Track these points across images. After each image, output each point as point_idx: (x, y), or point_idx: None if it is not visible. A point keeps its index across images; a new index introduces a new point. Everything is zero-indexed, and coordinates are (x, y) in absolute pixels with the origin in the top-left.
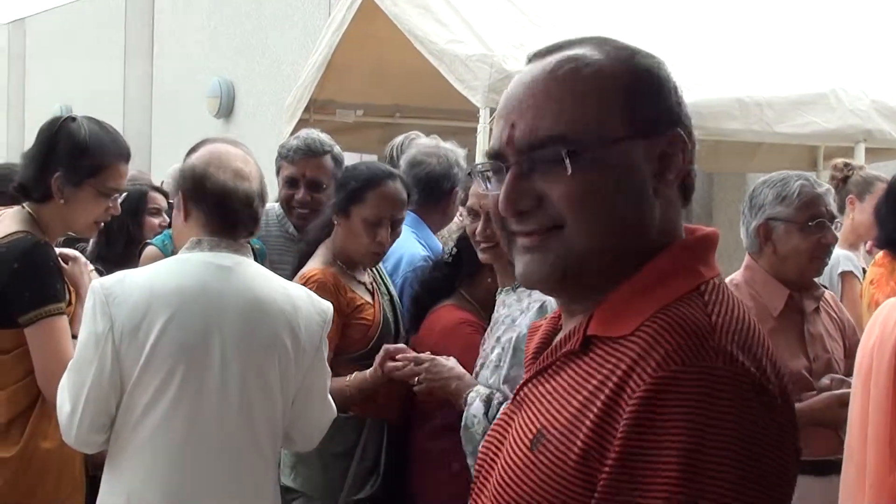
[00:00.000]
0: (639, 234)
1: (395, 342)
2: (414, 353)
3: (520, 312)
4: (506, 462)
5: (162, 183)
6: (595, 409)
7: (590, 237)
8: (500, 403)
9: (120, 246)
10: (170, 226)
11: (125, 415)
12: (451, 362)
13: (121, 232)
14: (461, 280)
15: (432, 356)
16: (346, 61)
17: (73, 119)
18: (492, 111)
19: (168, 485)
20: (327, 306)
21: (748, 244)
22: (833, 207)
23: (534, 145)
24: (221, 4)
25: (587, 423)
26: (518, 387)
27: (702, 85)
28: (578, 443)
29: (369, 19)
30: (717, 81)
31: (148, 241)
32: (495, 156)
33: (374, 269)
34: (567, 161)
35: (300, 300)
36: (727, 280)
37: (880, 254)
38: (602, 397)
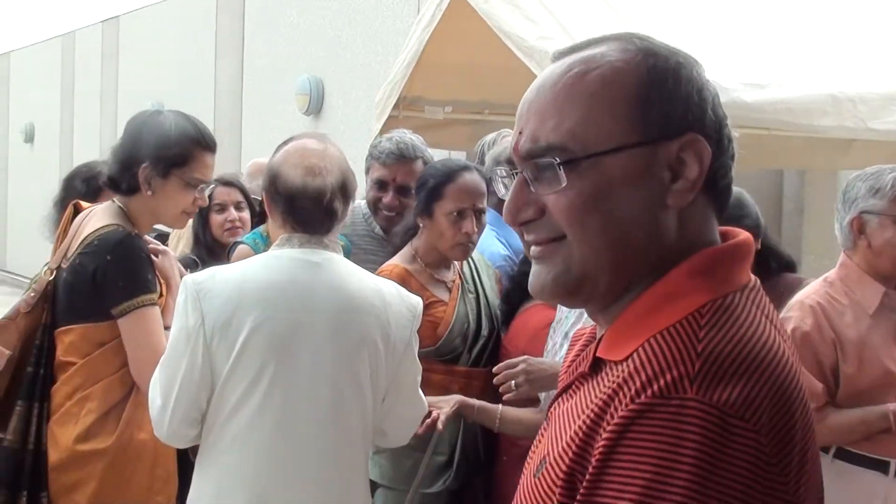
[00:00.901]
0: (650, 246)
1: (478, 341)
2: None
3: None
4: (521, 487)
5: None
6: (581, 435)
7: (590, 250)
8: None
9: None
10: (255, 223)
11: (216, 410)
12: (543, 366)
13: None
14: None
15: (525, 357)
16: (435, 58)
17: (160, 112)
18: None
19: (258, 480)
20: (416, 301)
21: (842, 240)
22: None
23: (533, 154)
24: (311, 1)
25: (573, 448)
26: (549, 404)
27: (793, 81)
28: (564, 468)
29: (458, 16)
30: (808, 77)
31: (238, 239)
32: (509, 162)
33: (468, 267)
34: (561, 171)
35: (390, 296)
36: (822, 278)
37: None
38: (589, 423)
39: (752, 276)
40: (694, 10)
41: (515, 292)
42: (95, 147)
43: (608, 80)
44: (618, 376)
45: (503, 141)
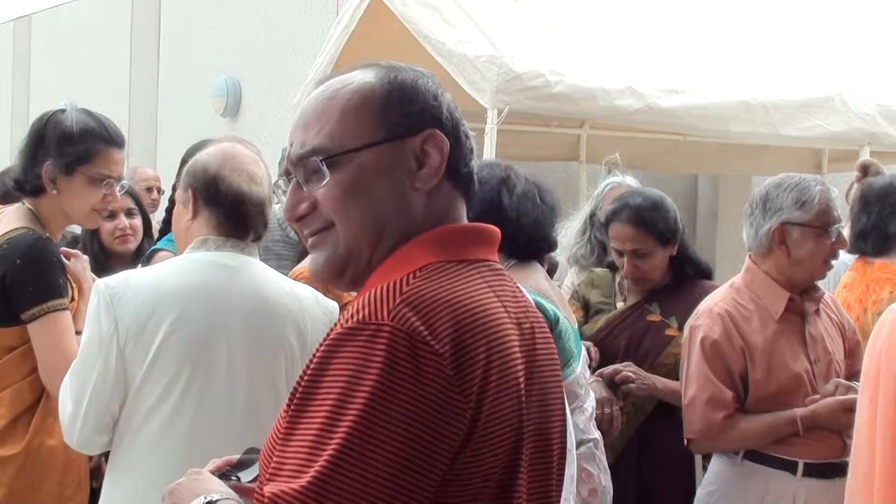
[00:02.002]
0: (400, 226)
1: None
2: None
3: None
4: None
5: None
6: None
7: (353, 231)
8: None
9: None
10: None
11: (129, 416)
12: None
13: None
14: None
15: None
16: (354, 60)
17: (62, 111)
18: (499, 112)
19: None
20: (333, 306)
21: (755, 246)
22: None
23: (302, 157)
24: (228, 3)
25: (302, 374)
26: None
27: (708, 88)
28: (293, 389)
29: (377, 19)
30: (723, 84)
31: (156, 246)
32: (286, 173)
33: None
34: (324, 168)
35: (306, 300)
36: (728, 284)
37: (855, 258)
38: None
39: (495, 259)
40: (611, 16)
41: None
42: (6, 148)
43: (359, 92)
44: (345, 313)
45: None
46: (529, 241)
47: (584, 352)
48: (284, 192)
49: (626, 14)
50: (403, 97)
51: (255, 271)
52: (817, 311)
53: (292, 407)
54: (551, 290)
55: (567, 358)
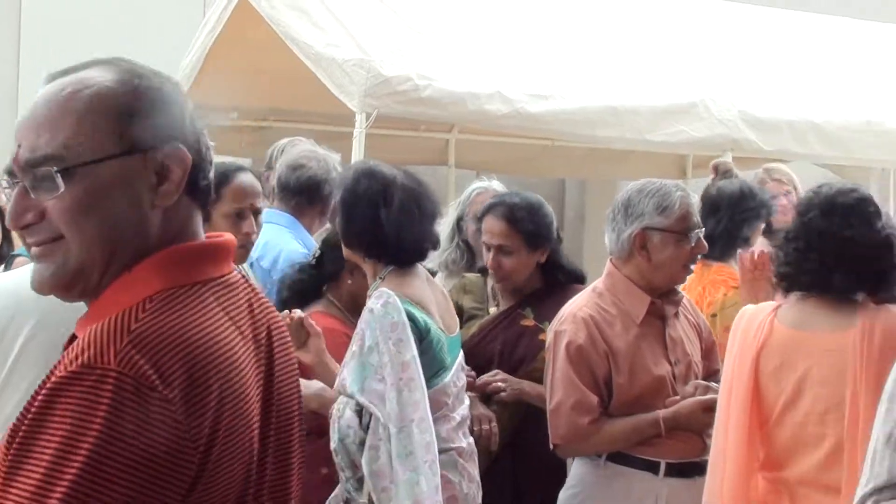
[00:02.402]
0: (137, 241)
1: None
2: None
3: None
4: None
5: None
6: (32, 402)
7: (85, 247)
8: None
9: None
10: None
11: None
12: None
13: None
14: (328, 283)
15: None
16: (221, 63)
17: None
18: (368, 116)
19: None
20: None
21: (617, 250)
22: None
23: (32, 163)
24: (93, 2)
25: (25, 412)
26: None
27: (576, 93)
28: (12, 429)
29: (245, 21)
30: (590, 90)
31: (16, 252)
32: (10, 173)
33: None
34: (59, 179)
35: None
36: (590, 288)
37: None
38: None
39: (228, 272)
40: (481, 21)
41: (294, 298)
42: None
43: (99, 98)
44: (69, 352)
45: (294, 148)
46: (410, 251)
47: (459, 357)
48: (7, 194)
49: (495, 19)
50: (148, 106)
51: None
52: (676, 314)
53: (11, 452)
54: (432, 294)
55: (437, 368)
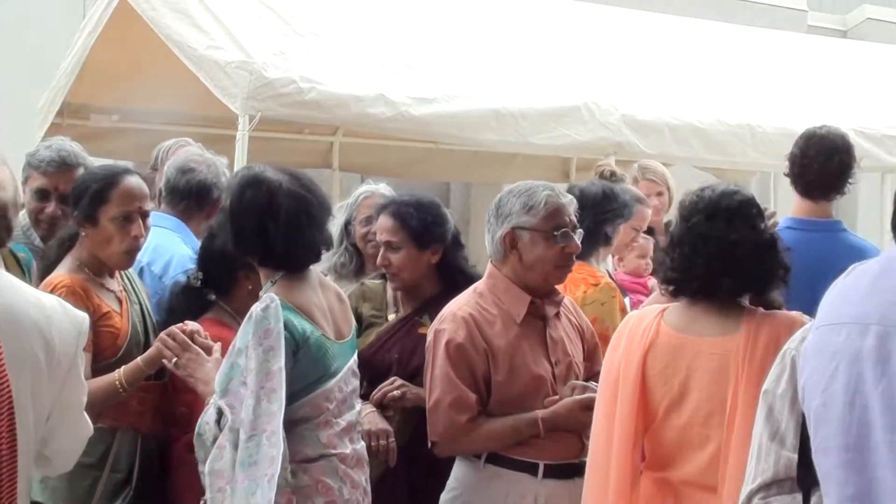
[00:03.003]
0: None
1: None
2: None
3: None
4: None
5: None
6: None
7: None
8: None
9: None
10: None
11: None
12: (209, 365)
13: None
14: (217, 291)
15: (199, 351)
16: (102, 64)
17: None
18: (251, 119)
19: None
20: (83, 317)
21: (493, 252)
22: (575, 217)
23: None
24: None
25: None
26: None
27: (460, 96)
28: None
29: (126, 22)
30: (474, 93)
31: None
32: None
33: (124, 279)
34: None
35: (53, 310)
36: (471, 288)
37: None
38: None
39: None
40: (364, 25)
41: (183, 307)
42: None
43: None
44: None
45: (182, 150)
46: (301, 258)
47: (350, 363)
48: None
49: (379, 22)
50: None
51: None
52: (558, 315)
53: None
54: (323, 299)
55: (318, 375)
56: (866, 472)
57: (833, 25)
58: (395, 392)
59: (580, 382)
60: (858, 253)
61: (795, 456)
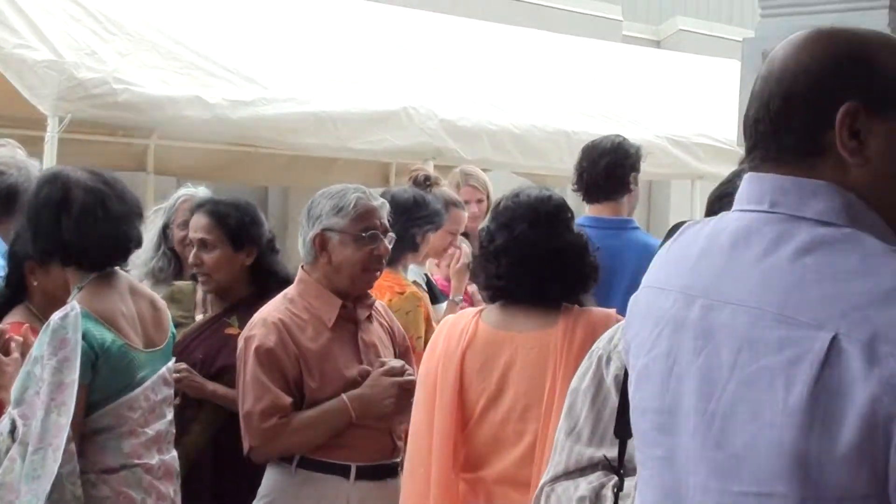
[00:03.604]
0: None
1: None
2: None
3: None
4: None
5: None
6: None
7: None
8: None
9: None
10: None
11: None
12: (10, 369)
13: None
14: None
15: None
16: None
17: None
18: (61, 120)
19: None
20: None
21: (304, 254)
22: (386, 221)
23: None
24: None
25: None
26: None
27: (278, 100)
28: None
29: None
30: (293, 97)
31: None
32: None
33: None
34: None
35: None
36: (282, 294)
37: None
38: None
39: None
40: (181, 25)
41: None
42: None
43: None
44: None
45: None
46: (102, 255)
47: (162, 371)
48: None
49: (195, 24)
50: None
51: None
52: (369, 318)
53: None
54: (132, 307)
55: (121, 386)
56: (674, 437)
57: (647, 36)
58: (175, 374)
59: (382, 359)
60: (649, 250)
61: (589, 450)
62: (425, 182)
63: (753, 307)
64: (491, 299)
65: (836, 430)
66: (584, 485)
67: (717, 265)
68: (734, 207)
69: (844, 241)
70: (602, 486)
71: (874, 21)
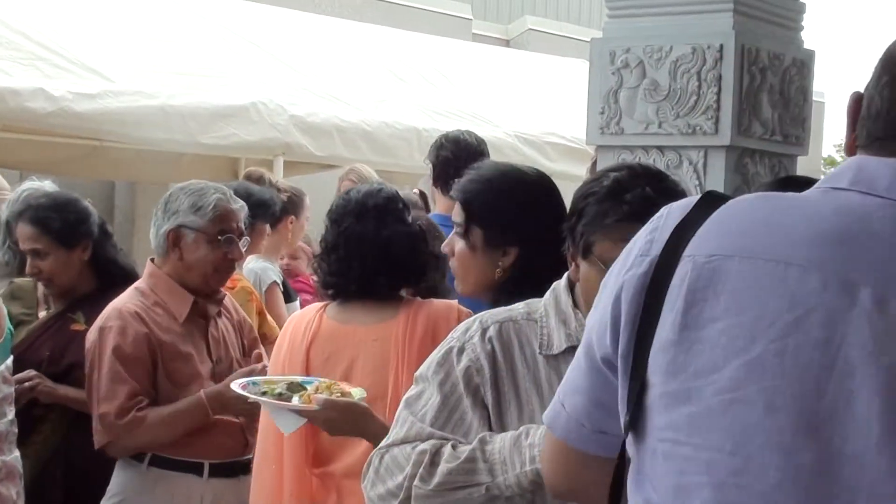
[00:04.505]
0: None
1: None
2: None
3: None
4: None
5: None
6: None
7: None
8: None
9: None
10: None
11: None
12: None
13: None
14: None
15: None
16: None
17: None
18: None
19: None
20: None
21: (155, 245)
22: (244, 224)
23: None
24: None
25: None
26: None
27: (125, 93)
28: None
29: None
30: (141, 90)
31: None
32: None
33: None
34: None
35: None
36: (133, 287)
37: None
38: None
39: None
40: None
41: None
42: None
43: None
44: None
45: None
46: None
47: (3, 366)
48: None
49: (42, 14)
50: None
51: None
52: (219, 313)
53: None
54: None
55: None
56: (831, 444)
57: (497, 34)
58: (27, 384)
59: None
60: None
61: (429, 430)
62: (259, 182)
63: None
64: (331, 297)
65: None
66: (424, 445)
67: (882, 253)
68: (859, 188)
69: None
70: (443, 444)
71: (718, 23)
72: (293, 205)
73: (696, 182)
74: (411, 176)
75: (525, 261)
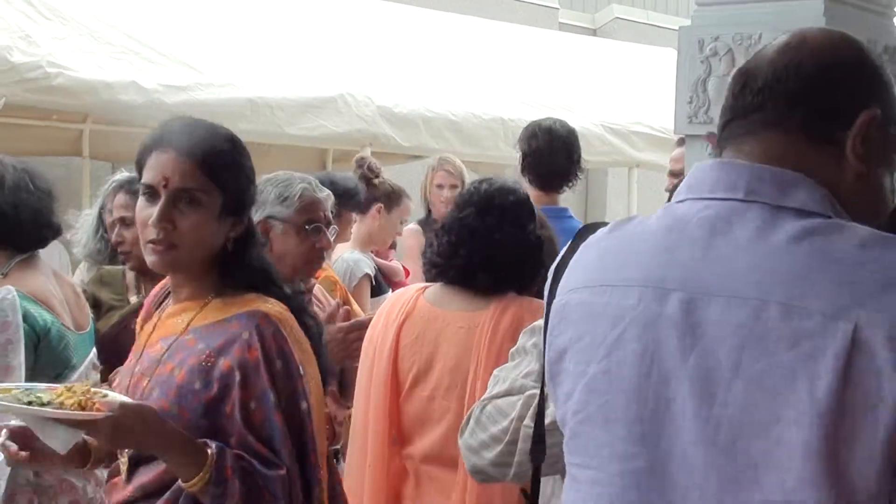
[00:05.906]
0: None
1: None
2: None
3: None
4: None
5: None
6: None
7: None
8: None
9: None
10: None
11: None
12: None
13: None
14: None
15: None
16: None
17: None
18: None
19: None
20: None
21: None
22: (330, 213)
23: None
24: None
25: None
26: None
27: (214, 85)
28: None
29: None
30: (229, 82)
31: None
32: None
33: None
34: None
35: None
36: None
37: None
38: None
39: None
40: (117, 9)
41: None
42: None
43: None
44: None
45: None
46: (32, 232)
47: (91, 356)
48: None
49: (131, 8)
50: None
51: None
52: (309, 302)
53: None
54: (59, 290)
55: (62, 368)
56: (659, 447)
57: (583, 24)
58: None
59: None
60: None
61: (530, 382)
62: (368, 170)
63: (752, 298)
64: (433, 278)
65: (865, 425)
66: (533, 391)
67: (693, 255)
68: (691, 196)
69: (835, 229)
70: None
71: (809, 11)
72: (387, 197)
73: None
74: (496, 166)
75: None
